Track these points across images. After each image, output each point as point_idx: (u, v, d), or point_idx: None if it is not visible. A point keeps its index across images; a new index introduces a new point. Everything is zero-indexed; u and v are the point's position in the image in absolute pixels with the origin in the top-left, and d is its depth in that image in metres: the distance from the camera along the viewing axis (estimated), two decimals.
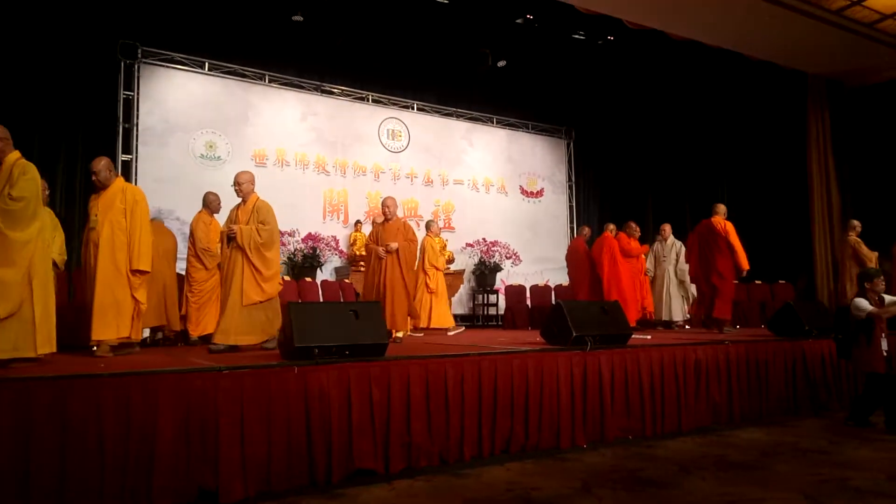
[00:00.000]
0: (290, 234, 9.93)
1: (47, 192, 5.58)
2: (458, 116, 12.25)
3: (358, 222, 10.69)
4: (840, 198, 10.83)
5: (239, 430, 3.40)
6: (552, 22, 10.16)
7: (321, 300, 9.03)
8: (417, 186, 11.60)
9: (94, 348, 4.62)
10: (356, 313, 4.12)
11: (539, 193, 13.07)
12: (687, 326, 9.13)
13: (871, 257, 8.56)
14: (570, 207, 13.46)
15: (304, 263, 9.78)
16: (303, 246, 9.92)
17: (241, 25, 9.62)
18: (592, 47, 11.06)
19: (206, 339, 6.47)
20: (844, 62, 10.24)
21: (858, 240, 8.69)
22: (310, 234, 10.08)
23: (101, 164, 4.80)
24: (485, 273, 11.40)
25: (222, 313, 5.01)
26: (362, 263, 8.75)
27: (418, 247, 10.94)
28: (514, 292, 10.96)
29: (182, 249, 6.99)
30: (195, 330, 6.26)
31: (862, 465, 3.98)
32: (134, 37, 9.19)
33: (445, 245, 11.20)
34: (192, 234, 6.43)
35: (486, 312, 11.32)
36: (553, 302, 10.10)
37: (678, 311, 8.96)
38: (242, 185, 5.23)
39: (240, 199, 5.32)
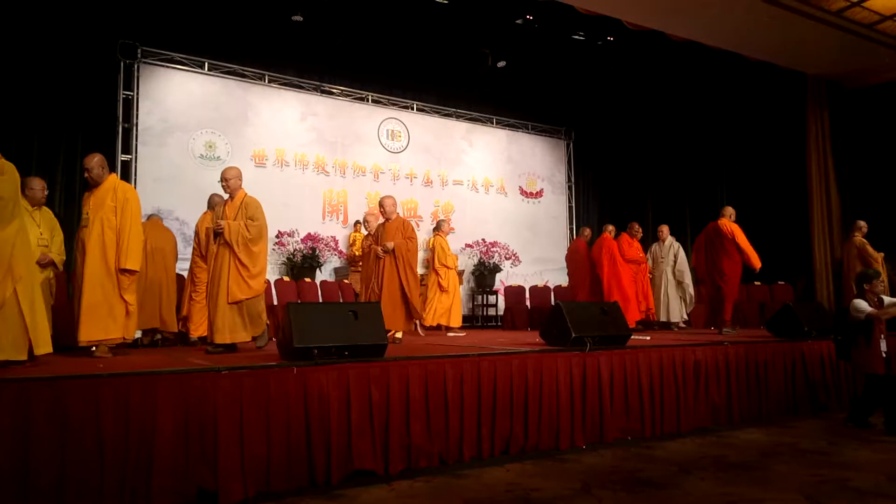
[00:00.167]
0: (289, 235, 9.93)
1: (46, 192, 5.58)
2: (458, 117, 12.25)
3: (357, 223, 10.69)
4: (839, 199, 10.83)
5: (238, 430, 3.40)
6: (552, 22, 10.16)
7: (320, 301, 9.03)
8: (417, 187, 11.60)
9: (93, 349, 4.61)
10: (355, 314, 4.12)
11: (539, 194, 13.07)
12: (683, 325, 9.15)
13: (878, 258, 8.58)
14: (570, 208, 13.46)
15: (303, 264, 9.78)
16: (302, 246, 9.92)
17: (241, 25, 9.61)
18: (592, 48, 11.06)
19: (206, 340, 6.47)
20: (844, 63, 10.25)
21: (864, 240, 8.71)
22: (309, 234, 10.07)
23: (94, 160, 4.76)
24: (484, 274, 11.41)
25: (213, 311, 4.94)
26: (361, 264, 8.76)
27: (429, 246, 11.05)
28: (514, 293, 10.96)
29: (182, 250, 6.99)
30: (196, 330, 6.25)
31: (862, 466, 3.98)
32: (133, 37, 9.19)
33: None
34: (196, 235, 6.42)
35: (485, 313, 11.32)
36: (552, 303, 10.10)
37: (676, 311, 8.98)
38: (230, 181, 5.17)
39: (227, 195, 5.27)
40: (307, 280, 9.51)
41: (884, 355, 5.05)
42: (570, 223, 13.35)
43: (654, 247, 9.20)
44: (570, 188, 13.52)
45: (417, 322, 8.36)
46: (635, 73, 11.82)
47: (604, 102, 12.97)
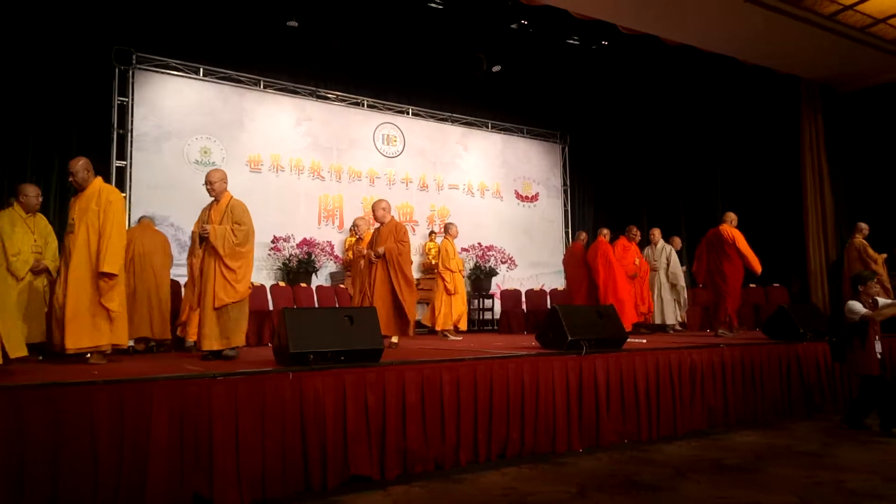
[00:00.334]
0: (284, 240, 9.92)
1: (41, 199, 5.56)
2: (454, 121, 12.27)
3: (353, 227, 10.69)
4: (833, 201, 10.89)
5: (233, 436, 3.39)
6: (546, 27, 10.20)
7: (316, 305, 9.01)
8: (413, 191, 11.61)
9: (88, 356, 4.59)
10: (351, 319, 4.12)
11: (534, 198, 13.09)
12: (679, 328, 9.17)
13: (878, 259, 8.61)
14: (565, 212, 13.48)
15: (298, 269, 9.77)
16: (298, 251, 9.91)
17: (236, 31, 9.62)
18: (587, 52, 11.10)
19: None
20: (838, 67, 10.31)
21: (865, 242, 8.74)
22: (305, 239, 10.07)
23: (79, 164, 4.71)
24: (480, 278, 11.41)
25: (201, 317, 4.86)
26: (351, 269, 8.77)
27: (425, 251, 11.05)
28: (510, 297, 10.96)
29: (178, 255, 6.95)
30: (194, 335, 6.21)
31: (857, 468, 3.99)
32: (129, 43, 9.19)
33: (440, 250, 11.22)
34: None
35: (481, 317, 11.31)
36: (549, 306, 10.11)
37: (671, 314, 9.01)
38: (215, 184, 5.05)
39: (212, 199, 5.15)
40: (303, 285, 9.49)
41: (878, 356, 5.07)
42: (566, 227, 13.37)
43: (647, 250, 9.24)
44: (565, 192, 13.55)
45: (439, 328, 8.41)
46: (630, 77, 11.87)
47: (599, 106, 13.01)
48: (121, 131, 9.16)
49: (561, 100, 12.84)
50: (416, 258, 11.11)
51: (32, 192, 5.48)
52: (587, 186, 13.80)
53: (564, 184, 13.55)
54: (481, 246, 11.72)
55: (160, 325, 6.20)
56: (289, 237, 9.97)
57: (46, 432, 2.98)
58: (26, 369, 3.94)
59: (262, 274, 9.69)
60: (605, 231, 8.81)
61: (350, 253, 10.12)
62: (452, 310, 8.45)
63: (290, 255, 9.85)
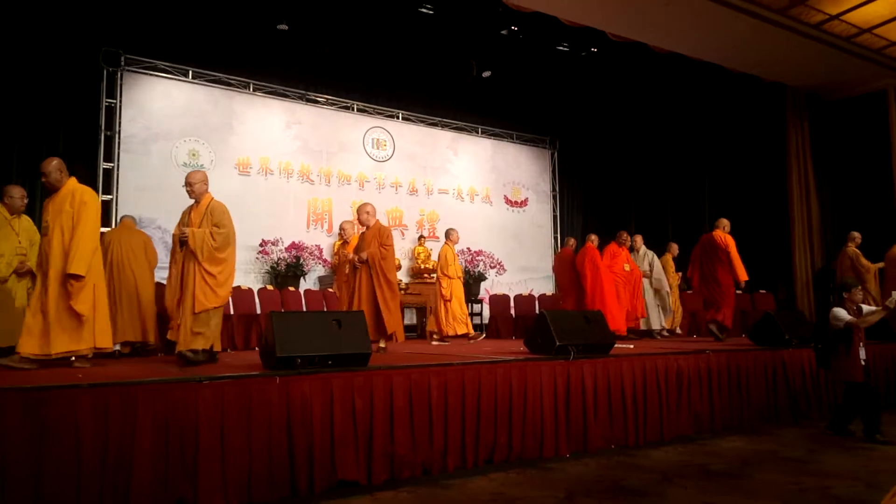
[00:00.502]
0: (273, 243, 9.88)
1: (26, 201, 5.51)
2: (444, 126, 12.28)
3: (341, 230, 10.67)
4: (819, 208, 11.00)
5: (219, 441, 3.36)
6: (536, 33, 10.24)
7: (304, 309, 8.98)
8: (402, 195, 11.61)
9: (73, 359, 4.54)
10: (339, 323, 4.11)
11: (523, 203, 13.12)
12: (666, 334, 9.22)
13: (870, 268, 8.69)
14: (555, 217, 13.52)
15: (287, 272, 9.73)
16: (286, 255, 9.87)
17: (226, 34, 9.58)
18: (576, 59, 11.15)
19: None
20: (824, 75, 10.43)
21: (857, 251, 8.83)
22: (293, 242, 10.03)
23: (52, 164, 4.59)
24: (469, 282, 11.40)
25: (181, 321, 4.71)
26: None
27: (415, 255, 11.03)
28: (499, 302, 10.97)
29: (164, 258, 6.86)
30: None
31: (842, 474, 4.02)
32: (117, 44, 9.13)
33: (430, 254, 11.22)
34: None
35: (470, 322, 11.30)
36: (537, 311, 10.12)
37: (656, 320, 9.07)
38: (194, 186, 4.92)
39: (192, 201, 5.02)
40: (291, 289, 9.45)
41: (863, 363, 5.12)
42: (555, 232, 13.41)
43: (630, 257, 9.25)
44: (554, 197, 13.59)
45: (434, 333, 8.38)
46: (619, 83, 11.94)
47: (588, 112, 13.07)
48: (108, 133, 9.09)
49: (550, 106, 12.89)
50: (405, 262, 11.10)
51: (17, 194, 5.43)
52: (576, 192, 13.85)
53: (553, 189, 13.60)
54: (470, 251, 11.72)
55: (143, 327, 6.04)
56: (277, 240, 9.93)
57: (30, 435, 2.95)
58: (9, 373, 3.90)
59: (250, 277, 9.65)
60: (594, 237, 8.84)
61: (337, 257, 10.11)
62: (453, 314, 8.42)
63: (279, 258, 9.81)
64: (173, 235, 4.99)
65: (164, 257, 7.08)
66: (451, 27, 10.01)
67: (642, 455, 4.63)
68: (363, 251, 6.01)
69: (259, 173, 10.21)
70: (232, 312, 8.19)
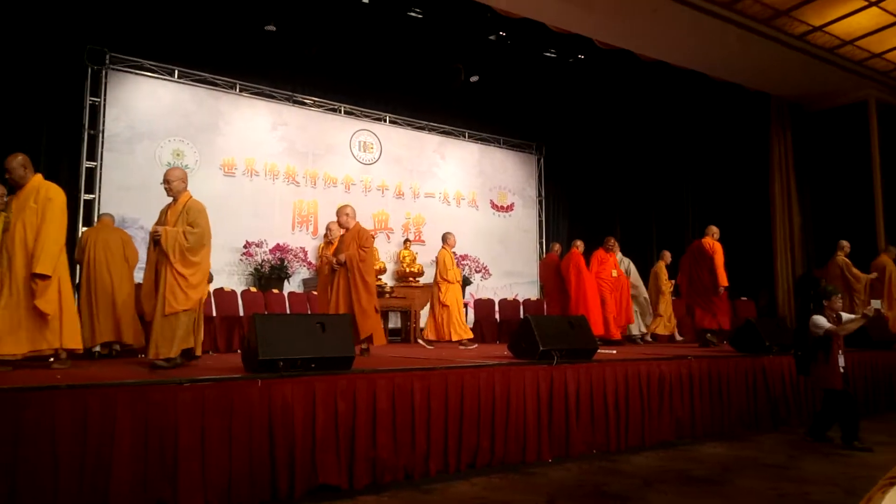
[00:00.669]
0: (257, 245, 9.83)
1: (6, 199, 5.44)
2: (431, 130, 12.30)
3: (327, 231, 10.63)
4: (801, 217, 11.14)
5: (199, 444, 3.33)
6: (524, 40, 10.28)
7: (288, 312, 8.93)
8: (388, 199, 11.60)
9: (51, 360, 4.49)
10: (323, 325, 4.09)
11: (509, 208, 13.16)
12: (650, 339, 9.29)
13: (861, 277, 8.80)
14: (540, 222, 13.57)
15: (271, 274, 9.68)
16: (270, 257, 9.82)
17: (213, 34, 9.52)
18: (563, 65, 11.21)
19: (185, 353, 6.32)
20: (807, 86, 10.58)
21: (847, 260, 8.93)
22: (278, 244, 9.98)
23: (15, 161, 4.51)
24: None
25: (151, 323, 4.60)
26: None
27: (400, 258, 11.01)
28: (484, 306, 10.98)
29: (145, 258, 6.78)
30: None
31: (820, 480, 4.06)
32: (102, 42, 9.05)
33: (415, 258, 11.21)
34: None
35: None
36: (521, 316, 10.15)
37: (635, 325, 9.14)
38: (172, 184, 4.79)
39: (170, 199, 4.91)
40: (275, 291, 9.41)
41: (842, 371, 5.18)
42: (541, 237, 13.46)
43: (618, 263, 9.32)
44: (540, 202, 13.64)
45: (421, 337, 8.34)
46: (605, 90, 12.02)
47: (574, 119, 13.14)
48: (92, 132, 9.01)
49: (537, 111, 12.94)
50: (390, 266, 11.08)
51: None
52: (562, 197, 13.91)
53: (539, 194, 13.65)
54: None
55: (121, 327, 5.95)
56: (261, 242, 9.88)
57: (6, 436, 2.90)
58: None
59: (234, 279, 9.59)
60: (579, 242, 8.88)
61: (321, 259, 10.08)
62: (450, 320, 8.38)
63: (263, 260, 9.76)
64: (150, 233, 4.82)
65: (145, 257, 7.00)
66: (440, 31, 10.02)
67: (624, 460, 4.65)
68: (342, 253, 6.01)
69: (244, 174, 10.16)
70: (214, 314, 8.14)
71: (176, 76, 9.74)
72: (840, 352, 5.20)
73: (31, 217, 4.40)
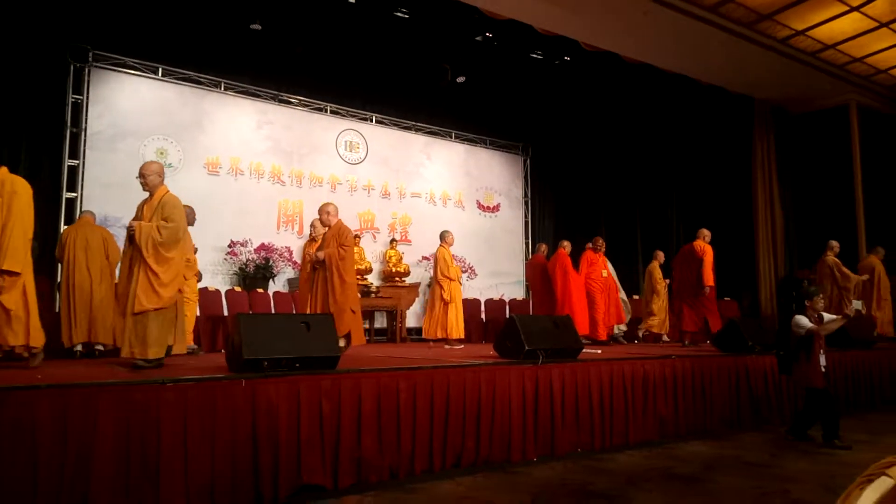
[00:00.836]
0: (241, 244, 9.77)
1: None
2: (417, 130, 12.29)
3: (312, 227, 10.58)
4: (783, 218, 11.26)
5: (182, 445, 3.30)
6: (511, 41, 10.32)
7: (273, 312, 8.89)
8: (375, 199, 11.58)
9: (27, 356, 4.43)
10: (308, 325, 4.07)
11: (496, 208, 13.19)
12: (624, 341, 9.33)
13: (851, 277, 8.90)
14: (526, 223, 13.61)
15: (256, 274, 9.62)
16: (255, 256, 9.77)
17: (198, 32, 9.45)
18: (550, 66, 11.26)
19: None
20: (789, 88, 10.70)
21: (837, 260, 9.03)
22: (263, 244, 9.93)
23: None
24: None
25: (123, 322, 4.47)
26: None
27: (386, 258, 10.99)
28: (470, 306, 10.99)
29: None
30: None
31: (801, 478, 4.10)
32: (85, 40, 8.96)
33: (401, 257, 11.20)
34: None
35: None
36: (507, 316, 10.17)
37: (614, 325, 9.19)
38: (148, 178, 4.64)
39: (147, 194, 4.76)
40: (260, 291, 9.36)
41: (823, 370, 5.24)
42: (526, 238, 13.50)
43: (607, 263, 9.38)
44: (526, 203, 13.68)
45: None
46: (591, 92, 12.08)
47: (560, 120, 13.20)
48: (74, 130, 8.91)
49: (524, 112, 12.98)
50: (376, 266, 11.06)
51: None
52: (548, 198, 13.96)
53: (525, 195, 13.69)
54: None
55: (95, 328, 5.87)
56: (246, 242, 9.82)
57: None
58: None
59: (218, 279, 9.52)
60: (566, 243, 8.90)
61: (305, 257, 10.04)
62: (452, 318, 8.40)
63: (248, 259, 9.70)
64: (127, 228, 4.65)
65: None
66: (427, 32, 10.03)
67: (608, 459, 4.67)
68: (322, 251, 6.02)
69: (229, 173, 10.09)
70: (198, 313, 8.07)
71: (160, 74, 9.66)
72: (821, 351, 5.26)
73: None
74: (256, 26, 9.43)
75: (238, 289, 9.25)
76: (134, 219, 4.66)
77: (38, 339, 4.41)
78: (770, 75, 10.11)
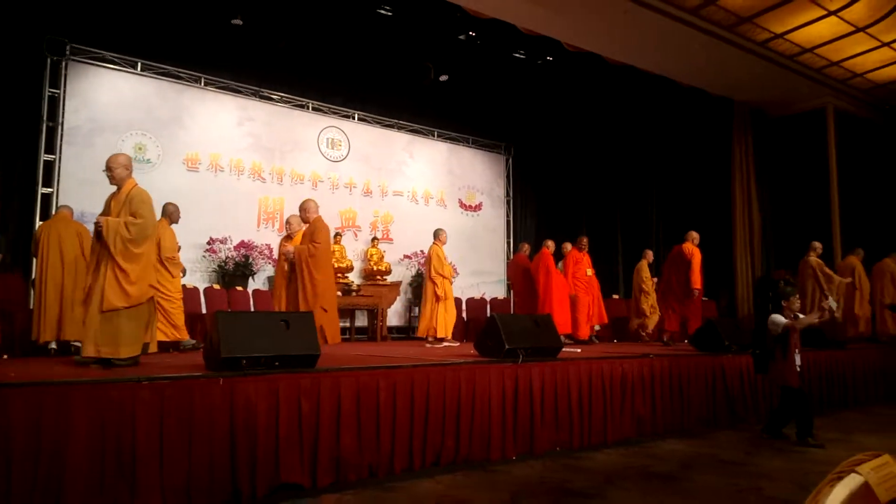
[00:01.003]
0: (221, 242, 9.68)
1: None
2: (400, 128, 12.27)
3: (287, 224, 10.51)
4: (761, 220, 11.41)
5: (158, 444, 3.26)
6: (494, 40, 10.33)
7: (252, 309, 8.82)
8: (356, 196, 11.53)
9: (5, 356, 4.36)
10: (287, 323, 4.04)
11: (477, 207, 13.21)
12: (596, 340, 9.37)
13: (834, 278, 9.00)
14: (508, 222, 13.65)
15: (235, 272, 9.55)
16: (234, 254, 9.68)
17: (178, 26, 9.35)
18: (532, 66, 11.30)
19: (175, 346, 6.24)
20: (768, 92, 10.85)
21: (820, 261, 9.12)
22: (242, 241, 9.85)
23: None
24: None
25: (86, 319, 4.32)
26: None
27: (367, 256, 10.96)
28: None
29: None
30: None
31: (775, 476, 4.16)
32: (62, 33, 8.82)
33: (383, 256, 11.18)
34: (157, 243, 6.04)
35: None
36: (488, 315, 10.18)
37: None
38: (115, 171, 4.44)
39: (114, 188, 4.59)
40: (239, 288, 9.29)
41: (798, 369, 5.32)
42: (508, 237, 13.54)
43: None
44: (508, 202, 13.72)
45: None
46: (573, 92, 12.15)
47: (543, 120, 13.26)
48: (51, 124, 8.77)
49: (506, 112, 13.02)
50: (357, 264, 11.03)
51: None
52: (529, 197, 14.02)
53: (507, 194, 13.73)
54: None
55: (62, 324, 5.78)
56: (226, 239, 9.74)
57: None
58: None
59: (196, 276, 9.43)
60: (550, 243, 8.92)
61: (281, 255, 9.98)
62: (442, 316, 8.39)
63: (227, 257, 9.62)
64: (95, 224, 4.44)
65: None
66: (410, 30, 10.01)
67: (586, 457, 4.71)
68: (293, 247, 6.03)
69: (208, 170, 10.00)
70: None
71: (139, 69, 9.54)
72: (797, 350, 5.33)
73: None
74: (238, 21, 9.35)
75: (217, 286, 9.17)
76: (101, 214, 4.49)
77: None
78: (750, 78, 10.24)
